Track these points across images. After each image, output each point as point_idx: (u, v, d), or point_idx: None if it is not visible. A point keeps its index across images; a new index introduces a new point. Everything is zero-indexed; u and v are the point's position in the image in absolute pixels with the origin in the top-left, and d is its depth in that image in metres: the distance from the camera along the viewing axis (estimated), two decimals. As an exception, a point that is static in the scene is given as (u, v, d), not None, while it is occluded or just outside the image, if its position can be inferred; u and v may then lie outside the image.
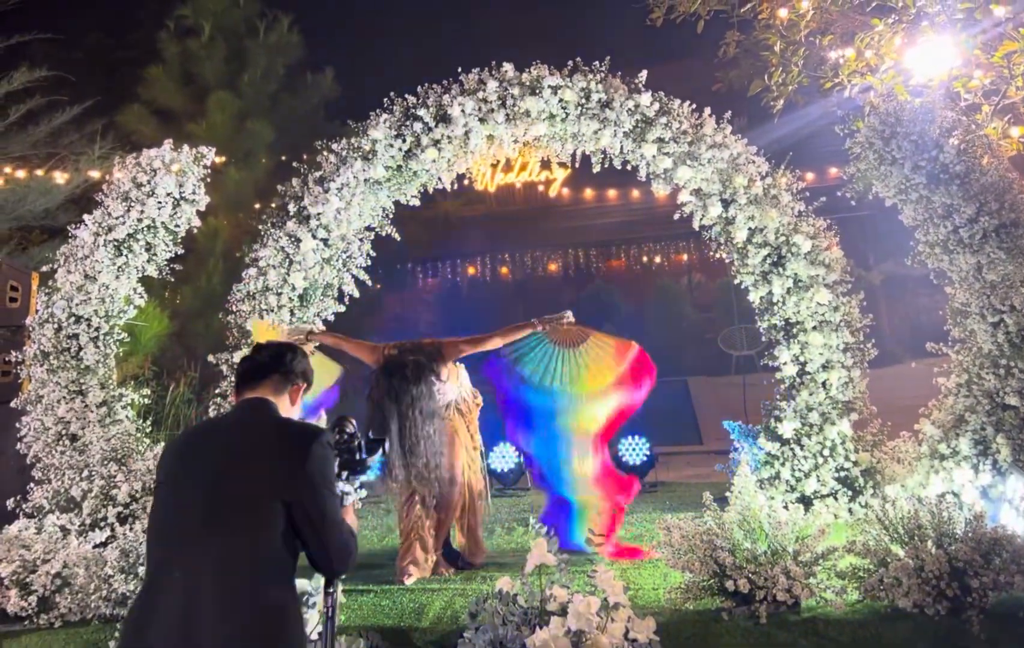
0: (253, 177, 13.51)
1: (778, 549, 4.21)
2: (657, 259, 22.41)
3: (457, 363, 5.60)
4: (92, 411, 5.95)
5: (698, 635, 4.04)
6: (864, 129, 5.92)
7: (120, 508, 5.44)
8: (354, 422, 2.83)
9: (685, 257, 22.26)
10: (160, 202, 6.25)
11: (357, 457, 2.76)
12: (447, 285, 22.03)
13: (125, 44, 17.48)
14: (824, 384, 5.97)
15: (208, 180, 6.73)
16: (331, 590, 2.66)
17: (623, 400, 5.49)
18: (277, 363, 2.69)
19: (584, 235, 21.22)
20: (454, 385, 5.52)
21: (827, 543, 4.30)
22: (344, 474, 2.73)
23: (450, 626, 4.22)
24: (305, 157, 6.58)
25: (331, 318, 6.79)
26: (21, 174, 10.46)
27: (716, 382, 15.16)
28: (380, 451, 2.88)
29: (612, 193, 21.22)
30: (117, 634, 4.21)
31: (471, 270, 22.22)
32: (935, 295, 6.17)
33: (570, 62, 6.30)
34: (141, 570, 4.37)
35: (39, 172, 10.18)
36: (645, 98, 6.18)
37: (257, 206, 13.17)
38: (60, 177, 10.59)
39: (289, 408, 2.70)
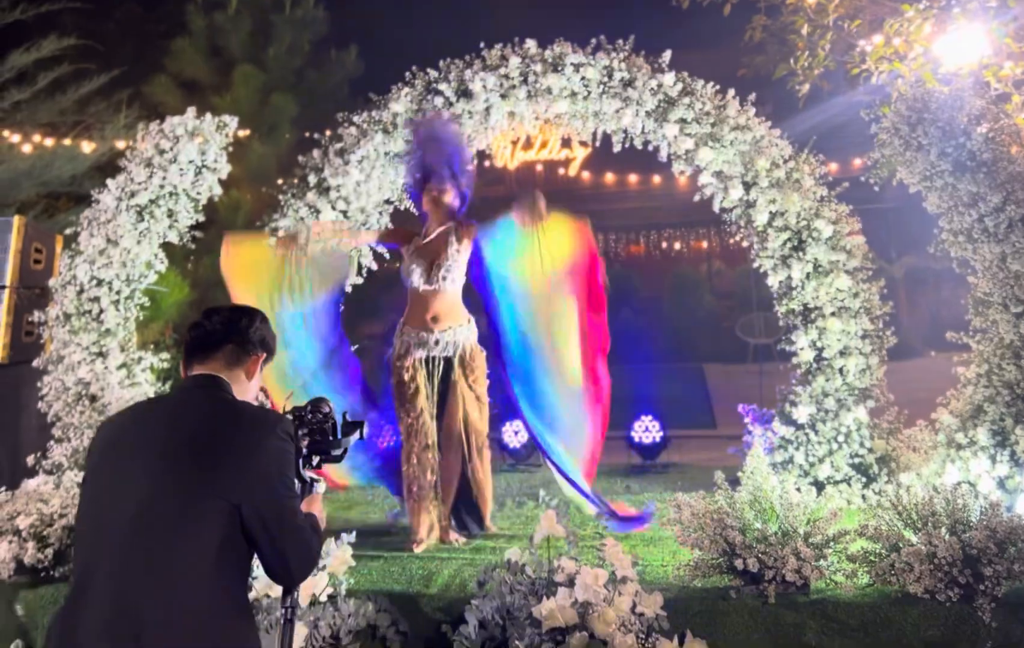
0: (276, 151, 13.58)
1: (789, 530, 4.20)
2: (677, 246, 22.32)
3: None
4: (112, 373, 6.02)
5: (705, 612, 4.05)
6: (890, 114, 5.85)
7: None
8: (330, 403, 2.58)
9: (705, 244, 22.16)
10: (182, 169, 6.29)
11: (331, 439, 2.50)
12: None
13: (156, 16, 17.52)
14: (841, 370, 5.93)
15: (231, 153, 6.77)
16: (293, 591, 2.43)
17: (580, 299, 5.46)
18: (231, 331, 2.36)
19: (604, 219, 21.12)
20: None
21: (839, 526, 4.29)
22: (315, 459, 2.49)
23: (458, 594, 4.25)
24: (328, 133, 6.60)
25: (348, 289, 6.82)
26: (49, 141, 10.57)
27: (732, 369, 15.12)
28: (357, 434, 2.64)
29: (633, 178, 21.13)
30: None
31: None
32: (957, 288, 6.10)
33: (593, 40, 6.28)
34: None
35: (66, 140, 10.28)
36: (668, 78, 6.14)
37: (280, 180, 13.26)
38: (87, 145, 10.71)
39: (245, 384, 2.37)
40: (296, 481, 2.34)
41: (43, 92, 9.66)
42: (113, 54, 13.78)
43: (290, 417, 2.46)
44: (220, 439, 2.09)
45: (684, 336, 18.01)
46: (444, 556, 4.87)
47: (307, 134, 6.75)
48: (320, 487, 2.55)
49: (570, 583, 3.79)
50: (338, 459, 2.53)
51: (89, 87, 10.20)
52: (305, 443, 2.44)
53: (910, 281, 17.95)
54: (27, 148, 10.04)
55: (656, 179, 20.52)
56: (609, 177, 21.34)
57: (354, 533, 4.36)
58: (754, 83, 8.88)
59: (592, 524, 5.39)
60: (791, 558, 4.03)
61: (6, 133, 9.48)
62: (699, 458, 7.82)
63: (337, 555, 4.16)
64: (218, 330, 2.35)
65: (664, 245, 22.54)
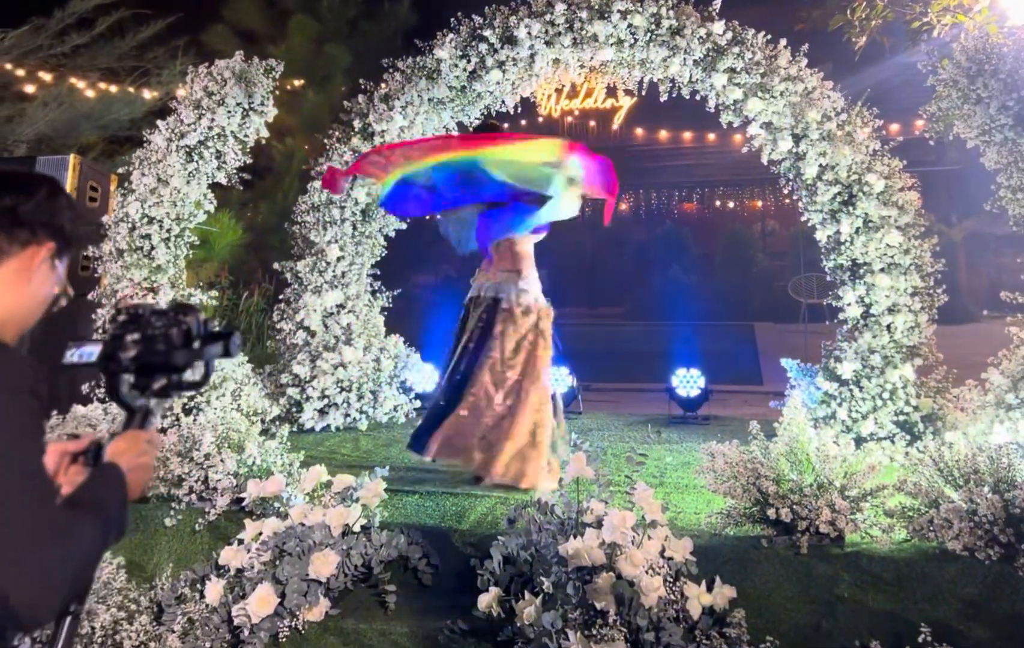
0: (329, 100, 13.70)
1: (824, 482, 4.15)
2: (731, 204, 21.97)
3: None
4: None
5: (736, 560, 4.03)
6: (949, 66, 5.65)
7: (184, 399, 5.69)
8: (200, 314, 1.80)
9: (760, 204, 21.77)
10: (230, 111, 6.38)
11: (174, 349, 1.71)
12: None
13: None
14: (889, 327, 5.81)
15: (286, 102, 6.86)
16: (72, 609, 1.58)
17: None
18: None
19: (656, 177, 20.91)
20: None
21: (877, 481, 4.22)
22: (158, 380, 1.74)
23: (490, 530, 4.29)
24: (381, 84, 6.64)
25: (392, 235, 6.90)
26: (111, 88, 10.80)
27: (783, 329, 14.91)
28: (220, 348, 1.81)
29: (687, 135, 20.80)
30: (172, 511, 4.43)
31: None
32: (1021, 253, 5.90)
33: (642, -13, 6.17)
34: (195, 454, 4.57)
35: (117, 87, 10.49)
36: (718, 26, 6.01)
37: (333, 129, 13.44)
38: (146, 91, 10.93)
39: (17, 290, 1.56)
40: (119, 405, 1.74)
41: (102, 37, 9.87)
42: (174, 3, 14.01)
43: (124, 316, 1.74)
44: None
45: (735, 295, 17.83)
46: (479, 494, 4.91)
47: (360, 83, 6.76)
48: (153, 425, 1.79)
49: (598, 524, 3.81)
50: (193, 386, 1.79)
51: (146, 33, 10.39)
52: (131, 352, 1.69)
53: (970, 245, 17.42)
54: (90, 93, 10.26)
55: (711, 136, 20.17)
56: (663, 134, 21.03)
57: (388, 467, 4.43)
58: (812, 38, 8.64)
59: (625, 469, 5.39)
60: (825, 510, 3.98)
61: (68, 77, 9.72)
62: (742, 412, 7.74)
63: (369, 487, 4.25)
64: None
65: (717, 203, 22.21)
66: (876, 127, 6.02)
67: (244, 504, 4.38)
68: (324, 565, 3.82)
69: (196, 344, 1.75)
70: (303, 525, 4.03)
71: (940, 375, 5.83)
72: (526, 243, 5.23)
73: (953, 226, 17.23)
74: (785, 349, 8.99)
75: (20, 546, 1.29)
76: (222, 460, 4.55)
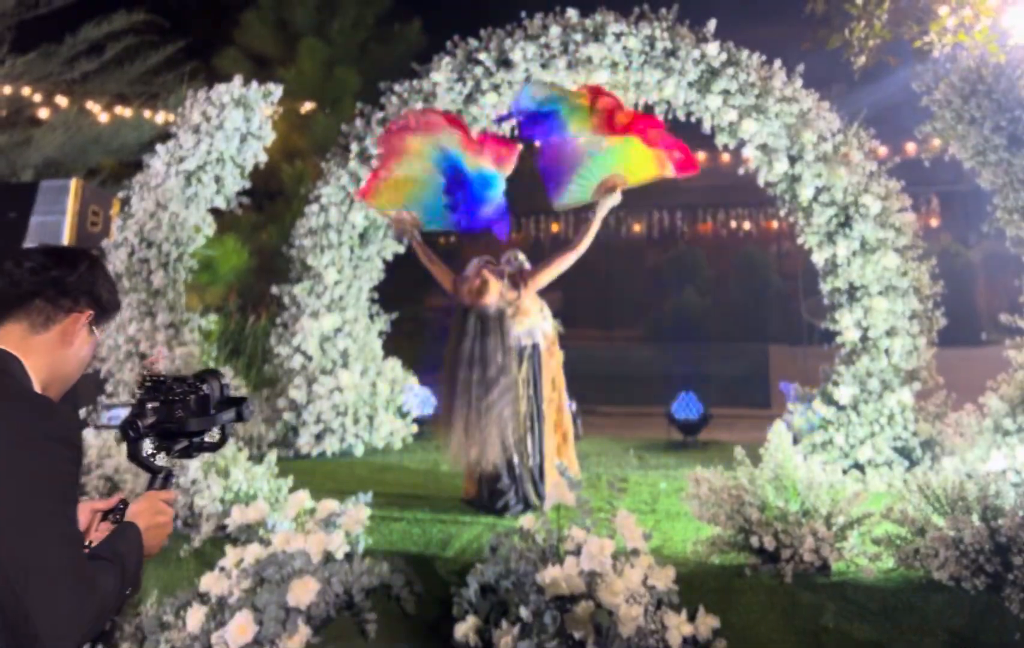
0: (339, 123, 13.77)
1: (810, 509, 4.10)
2: (746, 225, 21.84)
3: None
4: (160, 332, 6.23)
5: (720, 589, 3.99)
6: (943, 85, 5.60)
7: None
8: (223, 379, 1.96)
9: (775, 224, 21.62)
10: (228, 136, 6.44)
11: (193, 415, 1.85)
12: (530, 241, 21.98)
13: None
14: (887, 351, 5.74)
15: (296, 125, 6.94)
16: None
17: None
18: (41, 281, 1.74)
19: (670, 197, 20.78)
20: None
21: (864, 508, 4.16)
22: (179, 443, 1.87)
23: (473, 558, 4.27)
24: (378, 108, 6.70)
25: (389, 258, 6.92)
26: (122, 111, 10.93)
27: (797, 351, 14.75)
28: (233, 413, 1.94)
29: (701, 156, 20.69)
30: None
31: (555, 227, 22.06)
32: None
33: (636, 9, 6.16)
34: (181, 480, 4.58)
35: (129, 111, 10.60)
36: (712, 48, 5.99)
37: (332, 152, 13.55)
38: (159, 116, 11.05)
39: (61, 353, 1.76)
40: (140, 468, 1.87)
41: (112, 63, 10.01)
42: (189, 27, 14.18)
43: (148, 383, 1.88)
44: None
45: (749, 316, 17.69)
46: (466, 520, 4.90)
47: (370, 107, 6.82)
48: (172, 486, 1.92)
49: (578, 552, 3.78)
50: (212, 447, 1.94)
51: (156, 58, 10.53)
52: (150, 420, 1.81)
53: (989, 265, 17.19)
54: (100, 118, 10.39)
55: (725, 157, 20.05)
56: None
57: (371, 493, 4.42)
58: (824, 61, 8.59)
59: (606, 494, 5.36)
60: (809, 538, 3.93)
61: (77, 102, 9.87)
62: (745, 437, 7.64)
63: (351, 513, 4.24)
64: (24, 279, 1.73)
65: (732, 224, 22.07)
66: (889, 146, 5.96)
67: (228, 530, 4.39)
68: (304, 592, 3.80)
69: (212, 410, 1.89)
70: (284, 552, 4.03)
71: (939, 400, 5.74)
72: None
73: (972, 247, 17.03)
74: (798, 371, 8.93)
75: (56, 591, 1.43)
76: (208, 486, 4.56)
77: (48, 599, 1.42)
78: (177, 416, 1.82)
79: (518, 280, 5.14)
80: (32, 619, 1.40)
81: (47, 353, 1.73)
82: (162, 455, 1.86)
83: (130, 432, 1.80)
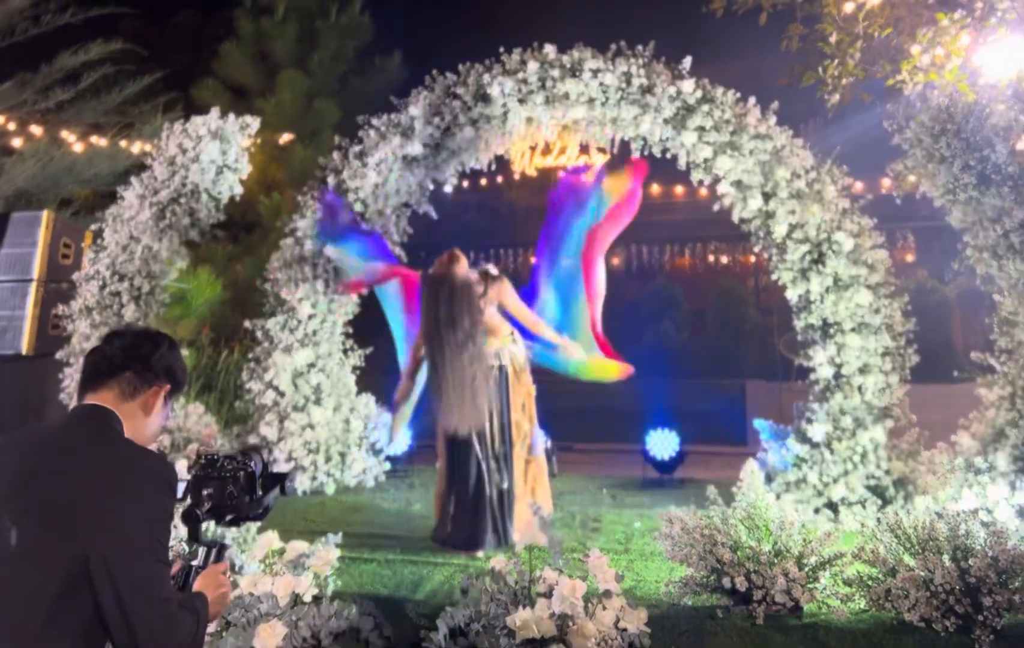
0: (318, 156, 13.75)
1: (782, 550, 4.08)
2: (724, 259, 21.99)
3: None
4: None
5: (693, 631, 3.94)
6: (913, 124, 5.67)
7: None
8: (263, 455, 2.29)
9: (752, 259, 21.79)
10: (203, 168, 6.40)
11: (245, 495, 2.16)
12: (509, 275, 21.96)
13: (212, 21, 17.97)
14: (860, 388, 5.76)
15: (274, 157, 6.91)
16: None
17: None
18: (130, 357, 2.04)
19: (648, 231, 20.91)
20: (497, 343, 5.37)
21: (835, 548, 4.15)
22: (227, 517, 2.16)
23: (444, 600, 4.21)
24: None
25: (364, 292, 6.86)
26: (97, 141, 10.83)
27: (775, 387, 14.77)
28: (277, 490, 2.29)
29: (679, 190, 20.88)
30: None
31: (533, 260, 22.13)
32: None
33: (613, 45, 6.21)
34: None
35: (104, 140, 10.50)
36: (687, 85, 6.04)
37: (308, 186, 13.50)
38: (135, 145, 10.95)
39: (142, 419, 2.05)
40: (199, 545, 2.11)
41: (87, 92, 9.92)
42: (167, 57, 14.13)
43: (203, 460, 2.19)
44: (83, 478, 1.79)
45: (727, 351, 17.68)
46: (439, 561, 4.83)
47: (349, 140, 6.81)
48: (227, 557, 2.19)
49: (550, 594, 3.73)
50: (256, 518, 2.21)
51: (133, 88, 10.45)
52: (208, 496, 2.11)
53: (964, 302, 17.34)
54: (73, 148, 10.28)
55: (703, 192, 20.23)
56: (654, 188, 21.11)
57: (340, 534, 4.35)
58: (803, 98, 8.68)
59: (579, 534, 5.32)
60: (780, 578, 3.90)
61: (50, 132, 9.76)
62: (721, 474, 7.64)
63: (320, 554, 4.16)
64: (116, 355, 2.03)
65: (711, 259, 22.22)
66: (865, 182, 6.02)
67: (193, 571, 4.29)
68: (270, 637, 3.71)
69: (259, 491, 2.20)
70: (252, 594, 3.95)
71: (912, 437, 5.75)
72: None
73: (948, 283, 17.19)
74: (775, 407, 8.93)
75: (159, 613, 1.75)
76: (175, 526, 4.46)
77: (148, 614, 1.72)
78: (228, 493, 2.12)
79: (487, 279, 5.37)
80: (133, 626, 1.69)
81: (131, 418, 2.02)
82: (211, 524, 2.16)
83: (191, 520, 2.09)
